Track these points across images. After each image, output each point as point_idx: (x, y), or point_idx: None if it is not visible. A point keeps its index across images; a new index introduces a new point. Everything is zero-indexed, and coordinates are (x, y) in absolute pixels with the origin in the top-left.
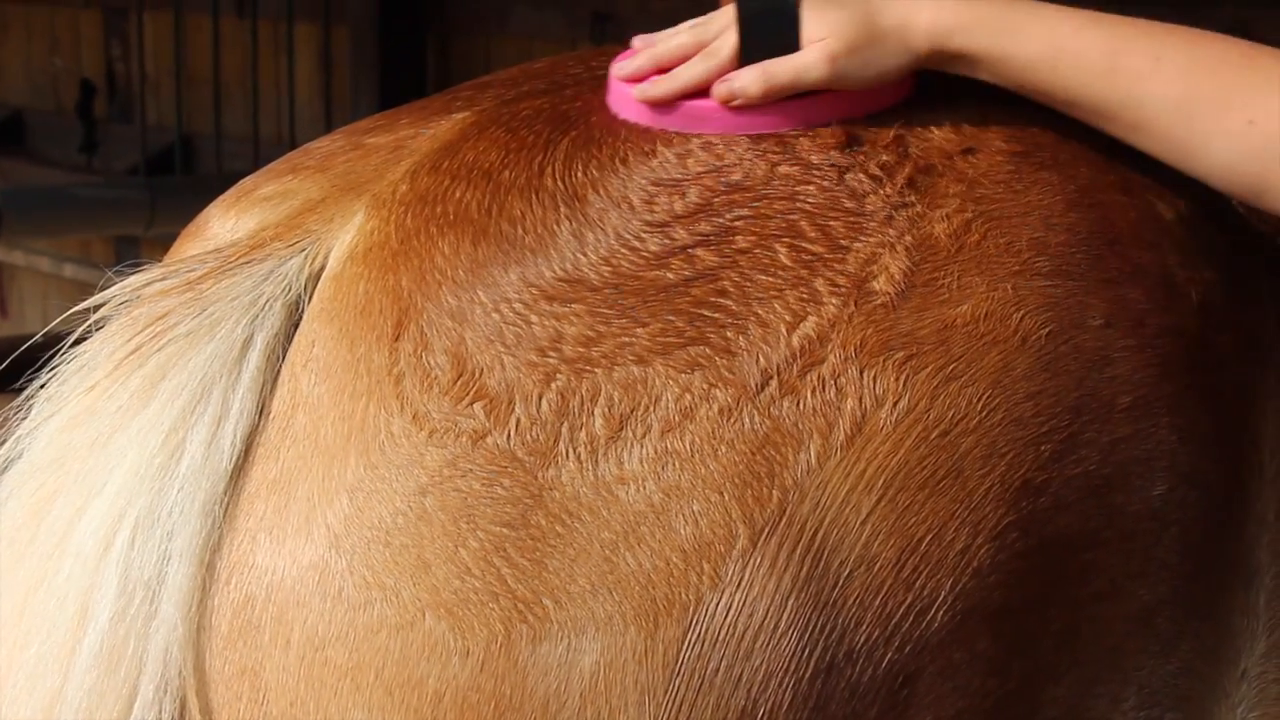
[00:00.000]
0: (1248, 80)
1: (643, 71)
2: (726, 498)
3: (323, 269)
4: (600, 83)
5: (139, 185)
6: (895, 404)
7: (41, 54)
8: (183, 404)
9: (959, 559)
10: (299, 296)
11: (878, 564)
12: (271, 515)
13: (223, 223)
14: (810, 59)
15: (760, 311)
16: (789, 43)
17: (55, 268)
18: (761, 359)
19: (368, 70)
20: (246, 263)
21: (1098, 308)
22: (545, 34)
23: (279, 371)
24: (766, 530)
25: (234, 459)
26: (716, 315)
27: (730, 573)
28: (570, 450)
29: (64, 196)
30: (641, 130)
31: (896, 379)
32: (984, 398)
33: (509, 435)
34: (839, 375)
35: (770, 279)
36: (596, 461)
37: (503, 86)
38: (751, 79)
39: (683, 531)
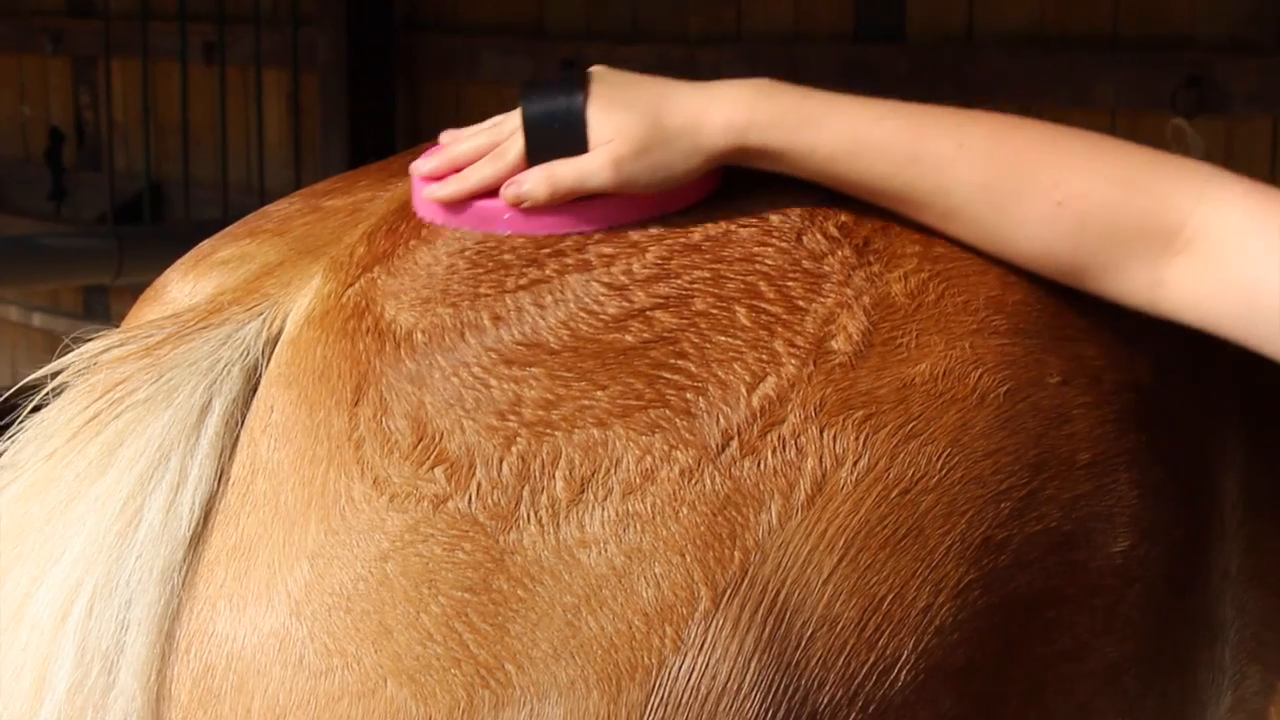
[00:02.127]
0: (1053, 162)
1: (439, 170)
2: (688, 559)
3: (280, 333)
4: None
5: (107, 235)
6: (855, 463)
7: (10, 102)
8: (141, 470)
9: (921, 618)
10: (257, 361)
11: (840, 624)
12: (232, 582)
13: (181, 287)
14: (595, 163)
15: (720, 373)
16: (576, 144)
17: (24, 317)
18: (722, 420)
19: (337, 116)
20: (204, 328)
21: (1055, 365)
22: (514, 80)
23: (238, 437)
24: (729, 592)
25: (193, 525)
26: (676, 377)
27: (693, 635)
28: (531, 514)
29: (32, 246)
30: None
31: (856, 438)
32: (943, 456)
33: (470, 499)
34: (799, 435)
35: (729, 340)
36: (558, 525)
37: None
38: (536, 182)
39: (645, 594)
